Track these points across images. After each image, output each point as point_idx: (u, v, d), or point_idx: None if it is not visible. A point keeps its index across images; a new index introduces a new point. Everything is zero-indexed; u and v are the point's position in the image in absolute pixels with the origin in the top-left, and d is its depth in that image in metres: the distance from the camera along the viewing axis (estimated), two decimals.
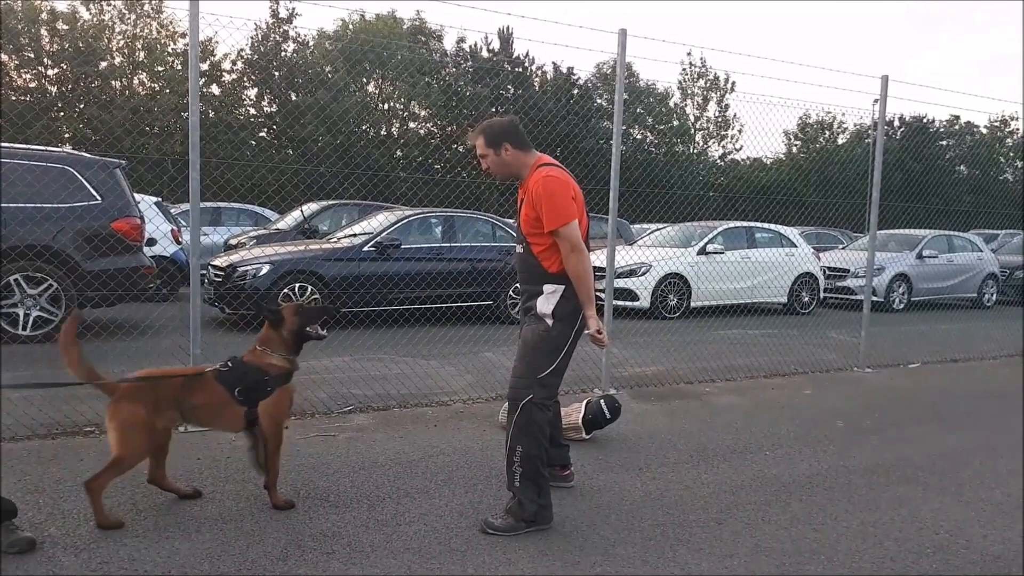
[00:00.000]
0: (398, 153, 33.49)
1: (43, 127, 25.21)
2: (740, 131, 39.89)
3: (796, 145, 44.16)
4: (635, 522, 3.49)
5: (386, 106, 35.94)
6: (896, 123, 40.49)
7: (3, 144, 7.79)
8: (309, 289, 8.86)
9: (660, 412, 5.65)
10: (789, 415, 5.66)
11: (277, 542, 3.13)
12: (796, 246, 13.20)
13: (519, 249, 3.59)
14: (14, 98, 27.01)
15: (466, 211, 11.27)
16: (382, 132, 34.40)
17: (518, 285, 3.74)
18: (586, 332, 3.49)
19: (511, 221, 12.09)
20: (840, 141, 43.16)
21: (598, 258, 11.54)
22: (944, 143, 43.09)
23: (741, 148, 40.77)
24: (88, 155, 8.22)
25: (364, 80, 35.11)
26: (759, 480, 4.16)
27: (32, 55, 28.25)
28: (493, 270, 10.07)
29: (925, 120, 40.42)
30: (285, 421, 3.55)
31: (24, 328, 7.30)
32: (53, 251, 7.33)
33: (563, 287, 3.41)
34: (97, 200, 7.65)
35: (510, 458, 3.39)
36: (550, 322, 3.40)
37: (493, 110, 34.80)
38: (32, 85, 28.73)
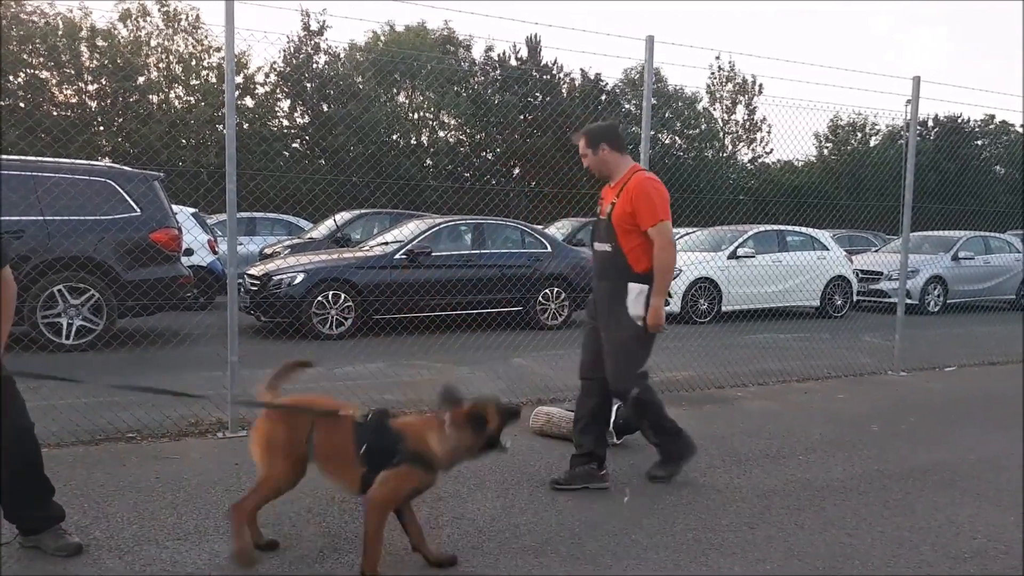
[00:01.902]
0: (428, 162, 33.74)
1: (85, 142, 25.82)
2: (769, 133, 39.49)
3: (827, 148, 43.61)
4: (667, 526, 3.51)
5: (416, 116, 36.24)
6: (930, 123, 39.83)
7: (48, 159, 8.04)
8: (342, 297, 8.99)
9: (692, 417, 5.64)
10: (822, 419, 5.61)
11: (314, 545, 3.20)
12: (828, 249, 13.07)
13: (605, 248, 3.94)
14: (56, 114, 27.71)
15: (495, 218, 11.35)
16: (412, 141, 34.69)
17: (595, 280, 4.17)
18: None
19: (539, 227, 12.13)
20: (872, 143, 42.53)
21: None
22: (979, 143, 42.24)
23: (771, 151, 40.38)
24: (127, 168, 8.44)
25: (394, 90, 35.45)
26: (792, 485, 4.15)
27: (73, 71, 28.96)
28: (523, 276, 10.12)
29: (960, 120, 39.70)
30: None
31: (67, 337, 7.50)
32: (95, 262, 7.54)
33: (648, 287, 3.82)
34: (136, 212, 7.86)
35: (643, 432, 4.14)
36: (641, 323, 3.83)
37: (521, 117, 34.93)
38: (73, 101, 29.44)
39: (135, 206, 7.85)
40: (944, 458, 4.70)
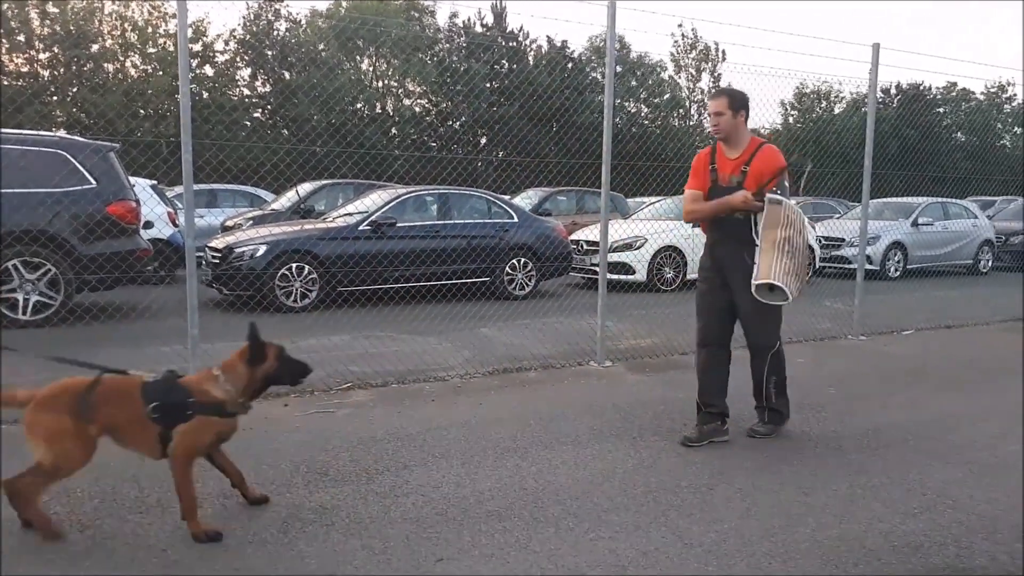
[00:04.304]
0: (393, 131, 33.36)
1: (36, 111, 25.06)
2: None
3: (792, 115, 43.93)
4: (628, 489, 3.57)
5: (380, 84, 35.74)
6: (893, 91, 40.29)
7: None
8: (306, 269, 8.90)
9: (656, 383, 5.73)
10: None
11: (278, 515, 3.21)
12: None
13: (736, 215, 4.15)
14: (6, 83, 26.84)
15: (461, 188, 11.29)
16: (376, 110, 34.24)
17: (717, 247, 4.37)
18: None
19: (506, 197, 12.10)
20: (837, 110, 42.94)
21: (592, 232, 11.58)
22: (941, 110, 42.87)
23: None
24: (81, 139, 8.23)
25: (357, 58, 34.87)
26: (751, 447, 4.24)
27: (23, 39, 28.02)
28: (489, 246, 10.10)
29: (921, 87, 40.21)
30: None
31: (24, 313, 7.35)
32: (49, 236, 7.37)
33: None
34: (92, 184, 7.68)
35: (765, 387, 4.33)
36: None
37: (487, 85, 34.62)
38: (24, 69, 28.53)
39: (90, 178, 7.67)
40: (897, 419, 4.83)
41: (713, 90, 4.46)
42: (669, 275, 11.52)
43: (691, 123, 40.92)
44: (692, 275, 11.72)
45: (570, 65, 35.75)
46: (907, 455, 4.13)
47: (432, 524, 3.15)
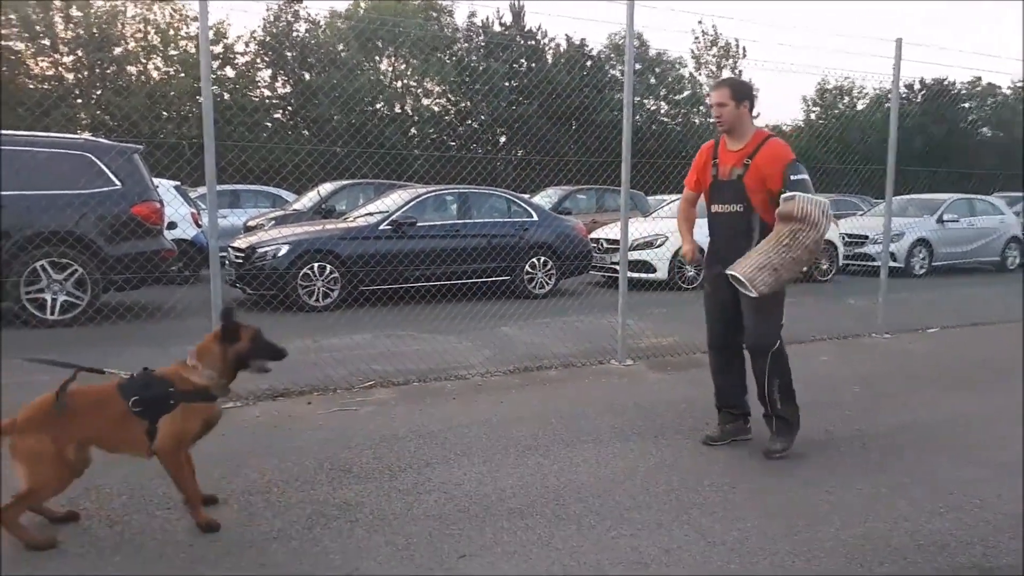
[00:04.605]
0: (412, 131, 33.45)
1: (62, 115, 25.43)
2: (756, 98, 39.33)
3: (815, 112, 43.49)
4: (650, 487, 3.56)
5: (399, 84, 35.86)
6: (917, 86, 39.76)
7: (24, 132, 7.94)
8: (328, 268, 8.96)
9: (677, 382, 5.71)
10: (805, 382, 5.61)
11: (302, 512, 3.24)
12: None
13: (734, 208, 3.97)
14: (32, 86, 27.25)
15: (480, 187, 11.31)
16: (396, 110, 34.36)
17: (718, 244, 4.11)
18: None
19: (526, 196, 12.11)
20: (860, 107, 42.46)
21: (612, 230, 11.56)
22: (966, 105, 42.22)
23: (758, 115, 40.25)
24: (106, 141, 8.35)
25: (376, 58, 35.02)
26: None
27: (48, 43, 28.43)
28: (509, 245, 10.12)
29: (946, 82, 39.64)
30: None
31: (52, 312, 7.47)
32: (76, 237, 7.49)
33: None
34: (117, 185, 7.79)
35: (769, 392, 3.97)
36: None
37: (506, 84, 34.63)
38: (49, 73, 28.94)
39: (115, 179, 7.78)
40: (922, 417, 4.78)
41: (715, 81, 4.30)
42: (690, 273, 11.46)
43: (712, 120, 40.64)
44: None
45: (589, 63, 35.64)
46: (932, 454, 4.09)
47: (454, 521, 3.17)
